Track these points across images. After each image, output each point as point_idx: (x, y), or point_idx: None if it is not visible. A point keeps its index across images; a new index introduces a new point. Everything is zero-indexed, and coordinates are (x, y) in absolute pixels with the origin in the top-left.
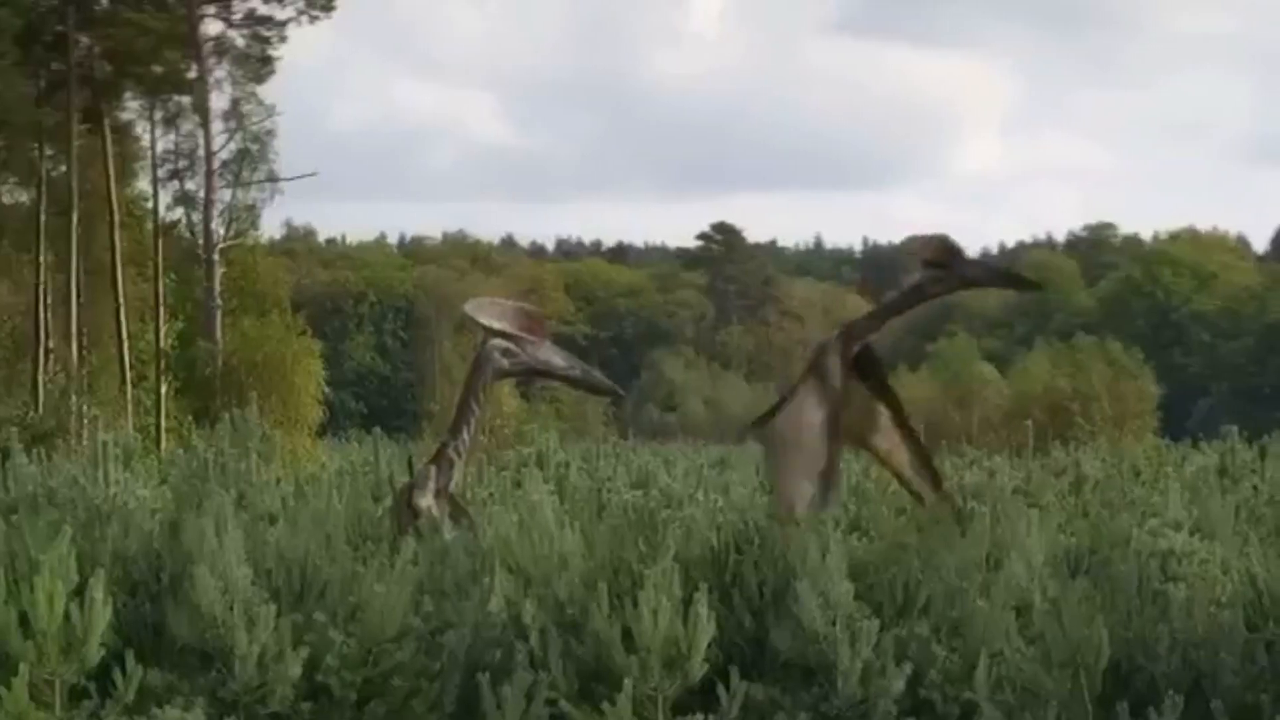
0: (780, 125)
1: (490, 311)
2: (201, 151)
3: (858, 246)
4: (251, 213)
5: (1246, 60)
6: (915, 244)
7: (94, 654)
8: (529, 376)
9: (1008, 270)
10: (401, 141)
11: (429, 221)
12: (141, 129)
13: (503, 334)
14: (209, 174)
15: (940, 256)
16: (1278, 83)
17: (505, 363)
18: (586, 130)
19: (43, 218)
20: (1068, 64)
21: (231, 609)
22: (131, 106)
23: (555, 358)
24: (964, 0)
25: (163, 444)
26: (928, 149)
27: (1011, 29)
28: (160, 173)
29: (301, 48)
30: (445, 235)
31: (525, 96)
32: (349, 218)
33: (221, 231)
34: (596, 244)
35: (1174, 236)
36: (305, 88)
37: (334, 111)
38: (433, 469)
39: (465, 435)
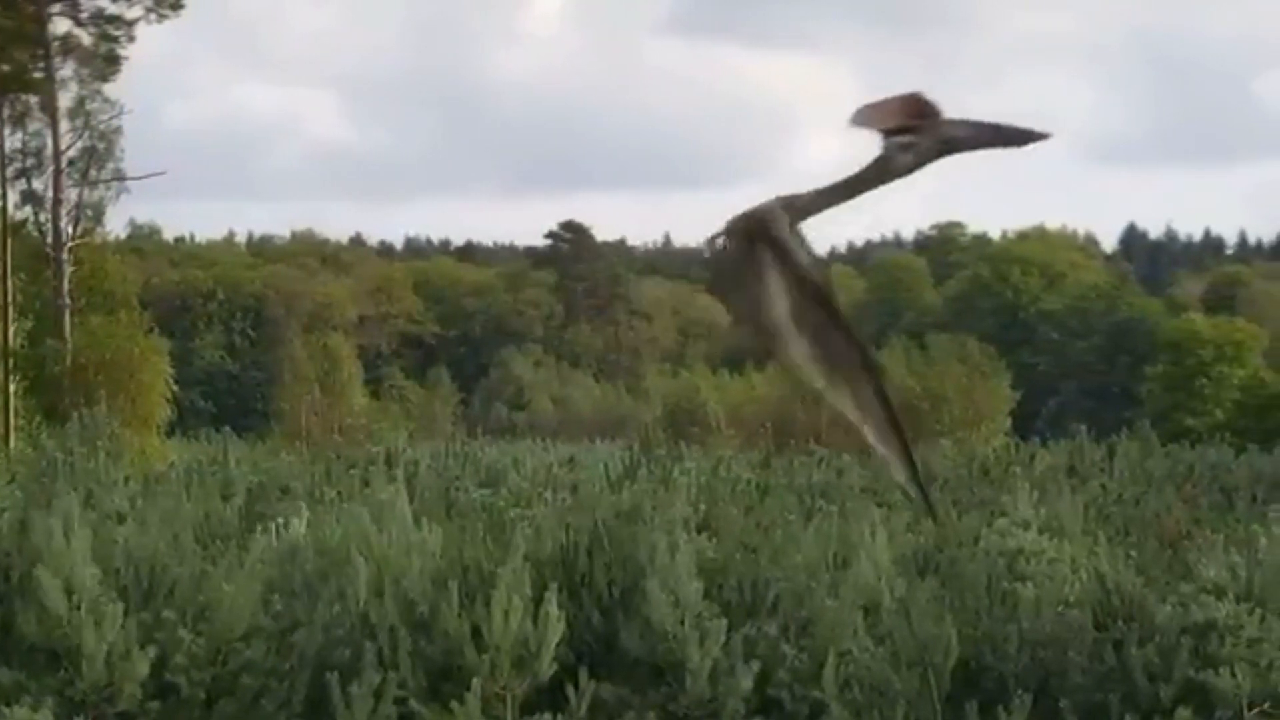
0: (624, 124)
1: (874, 117)
2: (49, 150)
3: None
4: (98, 211)
5: (1087, 59)
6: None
7: None
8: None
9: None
10: (246, 140)
11: (276, 220)
12: None
13: (898, 129)
14: (57, 173)
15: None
16: (1119, 82)
17: (909, 158)
18: (430, 129)
19: None
20: (908, 64)
21: (79, 608)
22: None
23: (957, 130)
24: (799, 1)
25: (11, 443)
26: (771, 147)
27: (848, 29)
28: (8, 171)
29: (143, 45)
30: (294, 234)
31: (367, 96)
32: (195, 216)
33: (70, 230)
34: (445, 243)
35: (1023, 235)
36: (147, 86)
37: (176, 110)
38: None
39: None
